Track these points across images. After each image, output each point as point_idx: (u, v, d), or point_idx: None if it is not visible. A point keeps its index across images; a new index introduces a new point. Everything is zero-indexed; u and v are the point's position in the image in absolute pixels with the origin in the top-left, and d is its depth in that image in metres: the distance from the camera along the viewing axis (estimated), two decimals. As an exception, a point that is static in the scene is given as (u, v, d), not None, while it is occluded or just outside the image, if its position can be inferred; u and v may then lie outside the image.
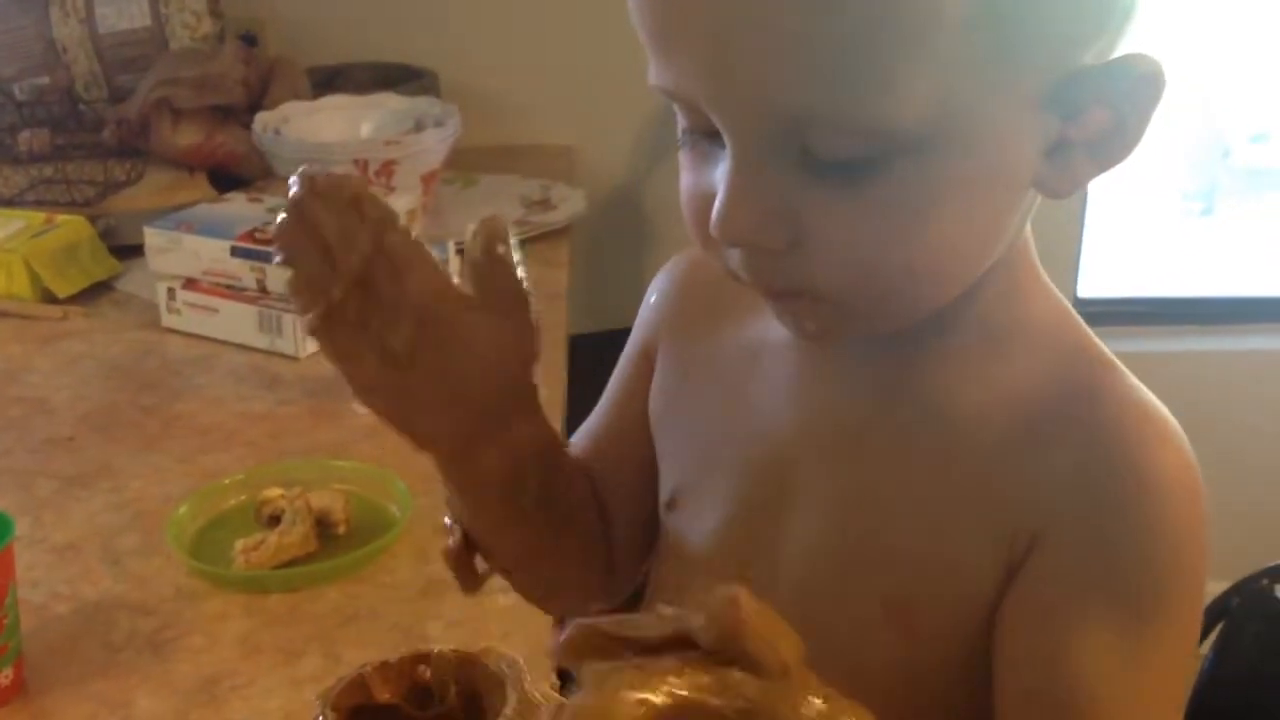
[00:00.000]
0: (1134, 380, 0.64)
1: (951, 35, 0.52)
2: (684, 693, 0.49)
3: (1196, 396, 2.24)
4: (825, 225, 0.56)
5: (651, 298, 0.79)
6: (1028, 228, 0.65)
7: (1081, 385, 0.63)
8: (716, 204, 0.57)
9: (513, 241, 0.65)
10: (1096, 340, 0.65)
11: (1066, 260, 2.17)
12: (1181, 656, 0.62)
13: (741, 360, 0.72)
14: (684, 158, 0.62)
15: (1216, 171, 3.35)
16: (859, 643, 0.63)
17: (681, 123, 0.60)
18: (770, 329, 0.68)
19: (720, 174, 0.58)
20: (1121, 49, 0.58)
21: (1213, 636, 1.16)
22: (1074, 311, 0.67)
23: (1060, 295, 0.67)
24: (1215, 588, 1.16)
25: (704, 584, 0.50)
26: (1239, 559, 1.28)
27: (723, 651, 0.49)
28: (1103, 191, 2.28)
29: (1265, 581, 1.13)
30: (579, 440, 0.81)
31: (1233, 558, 1.39)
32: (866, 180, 0.55)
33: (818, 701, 0.50)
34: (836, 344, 0.67)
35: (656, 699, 0.48)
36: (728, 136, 0.56)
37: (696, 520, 0.72)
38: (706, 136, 0.59)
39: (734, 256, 0.60)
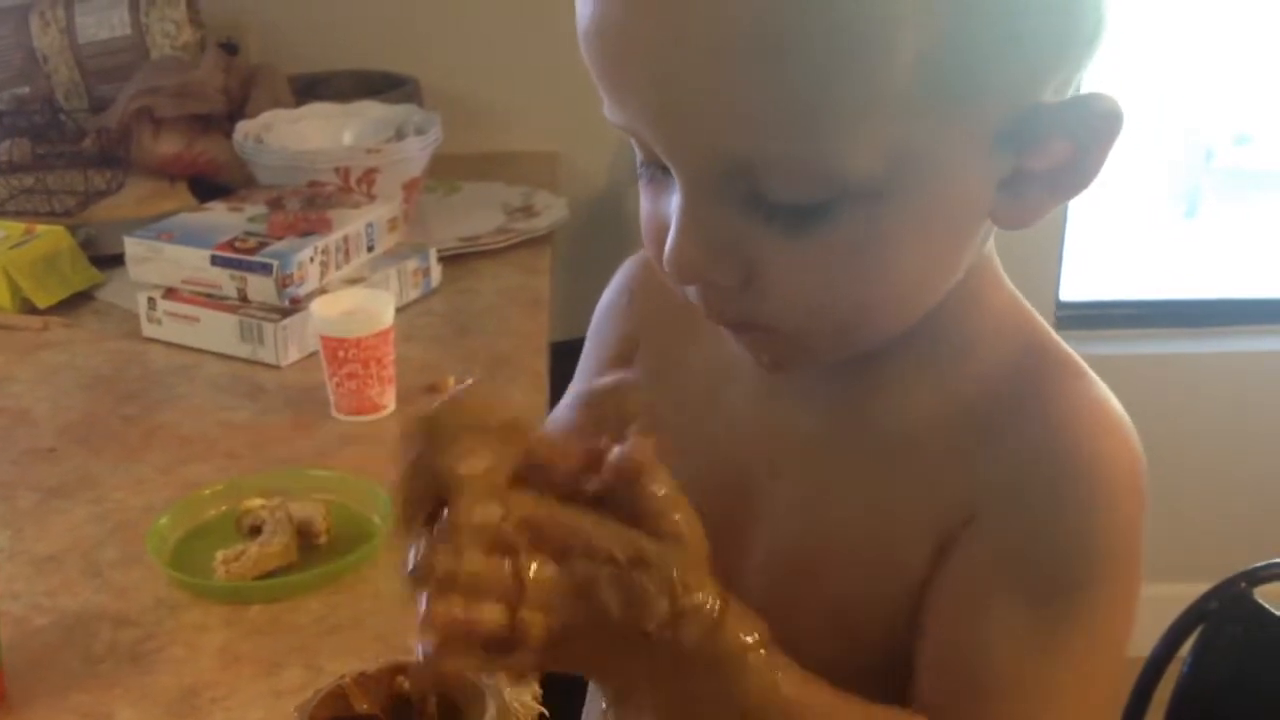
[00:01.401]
0: (1092, 378, 0.64)
1: (903, 82, 0.51)
2: (563, 519, 0.53)
3: (1179, 399, 2.26)
4: (776, 266, 0.57)
5: (623, 299, 0.78)
6: (989, 240, 0.65)
7: (1034, 378, 0.63)
8: (668, 241, 0.58)
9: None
10: (1057, 339, 0.66)
11: (1048, 264, 2.18)
12: (1105, 649, 0.62)
13: (709, 375, 0.72)
14: (642, 187, 0.62)
15: (1199, 174, 3.36)
16: (809, 655, 0.63)
17: (638, 154, 0.60)
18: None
19: (673, 208, 0.58)
20: (1082, 80, 0.58)
21: (1191, 640, 1.16)
22: (1036, 314, 0.67)
23: (1023, 299, 0.67)
24: (1193, 590, 1.17)
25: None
26: (1217, 562, 1.29)
27: (627, 504, 0.53)
28: (1085, 194, 2.29)
29: (1243, 585, 1.13)
30: None
31: (1211, 561, 1.40)
32: (818, 223, 0.55)
33: (710, 599, 0.54)
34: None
35: (525, 514, 0.52)
36: (678, 177, 0.57)
37: None
38: (662, 168, 0.59)
39: (690, 289, 0.61)
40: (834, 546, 0.65)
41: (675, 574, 0.53)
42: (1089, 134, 0.57)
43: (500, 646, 0.53)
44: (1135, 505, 0.62)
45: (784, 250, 0.56)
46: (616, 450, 0.54)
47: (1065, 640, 0.60)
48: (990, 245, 0.65)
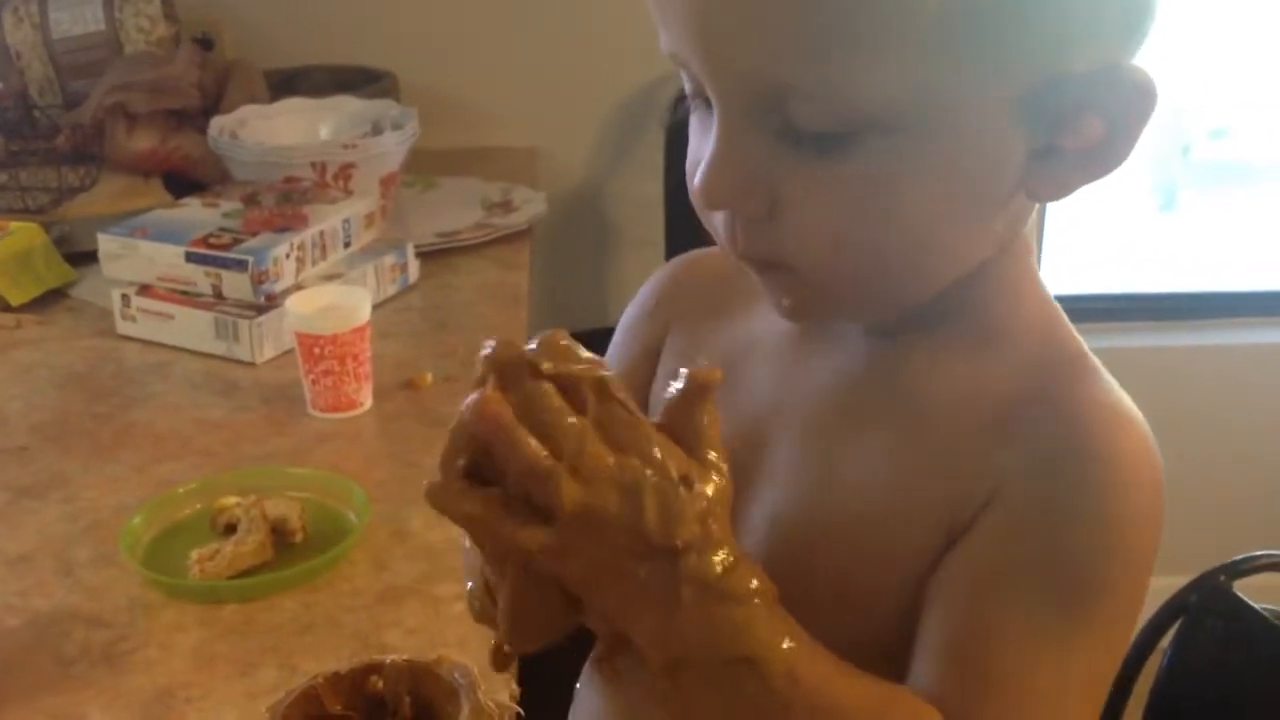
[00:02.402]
0: (1112, 383, 0.64)
1: (928, 23, 0.54)
2: (634, 417, 0.55)
3: (1157, 392, 2.25)
4: (799, 195, 0.59)
5: (651, 302, 0.80)
6: (1026, 231, 0.66)
7: (1054, 378, 0.64)
8: (700, 167, 0.60)
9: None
10: (1082, 343, 0.66)
11: (1027, 258, 2.18)
12: (1109, 646, 0.62)
13: (736, 350, 0.73)
14: (691, 123, 0.64)
15: (1176, 168, 3.37)
16: (811, 623, 0.64)
17: (687, 86, 0.62)
18: (766, 322, 0.70)
19: (710, 139, 0.60)
20: (1132, 57, 0.59)
21: (1171, 633, 1.16)
22: (1064, 315, 0.67)
23: (1053, 300, 0.68)
24: (1173, 583, 1.17)
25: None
26: (1197, 555, 1.29)
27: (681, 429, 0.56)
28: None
29: (1223, 578, 1.13)
30: None
31: (1191, 553, 1.40)
32: (841, 154, 0.57)
33: (730, 542, 0.56)
34: (824, 335, 0.69)
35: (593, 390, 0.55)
36: (715, 102, 0.59)
37: None
38: (705, 101, 0.61)
39: (719, 222, 0.62)
40: (844, 519, 0.66)
41: (710, 505, 0.55)
42: (1123, 111, 0.58)
43: (532, 499, 0.54)
44: (1153, 506, 0.62)
45: (808, 180, 0.58)
46: (684, 371, 0.57)
47: (1080, 638, 0.60)
48: (1028, 240, 0.66)
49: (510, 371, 0.55)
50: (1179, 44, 2.69)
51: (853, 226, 0.59)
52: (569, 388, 0.55)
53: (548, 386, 0.55)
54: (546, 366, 0.55)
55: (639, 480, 0.54)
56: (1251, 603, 1.13)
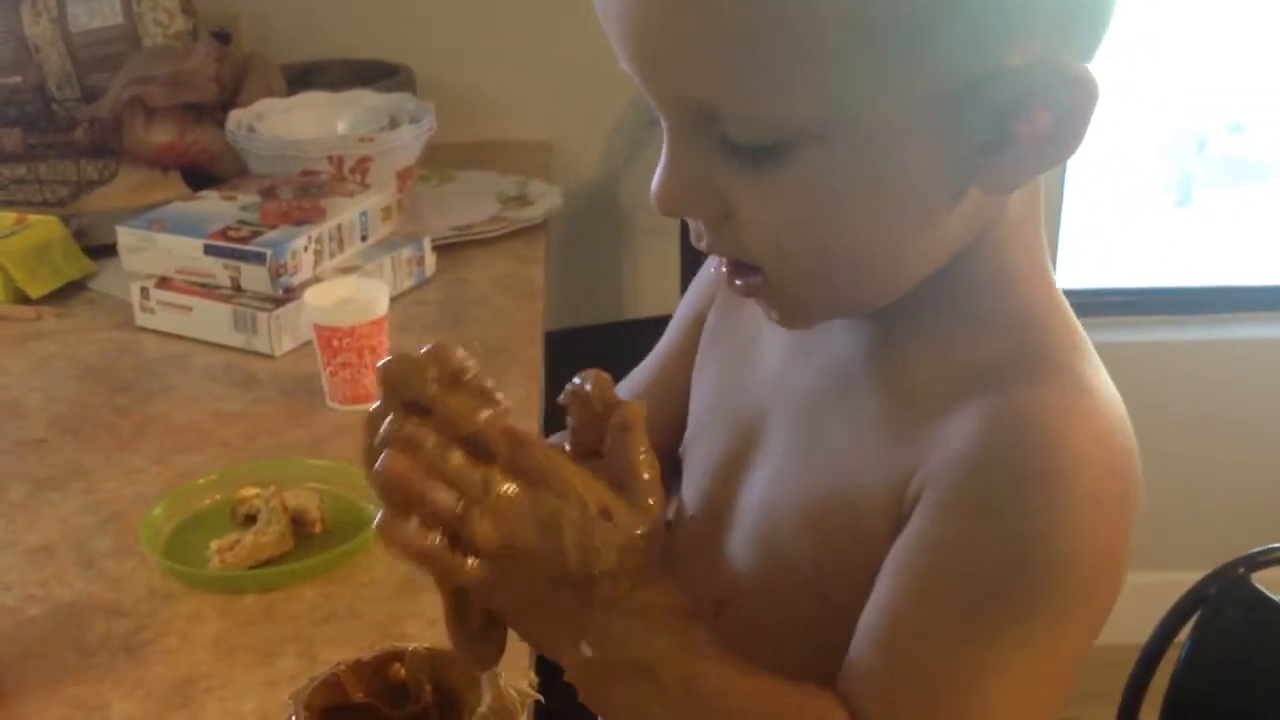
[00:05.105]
0: (1093, 375, 0.62)
1: (833, 36, 0.54)
2: (549, 453, 0.58)
3: (1173, 386, 2.26)
4: (745, 202, 0.60)
5: (711, 268, 0.82)
6: (1031, 215, 0.65)
7: (1029, 365, 0.62)
8: (654, 178, 0.62)
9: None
10: (1076, 339, 0.64)
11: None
12: (1045, 664, 0.60)
13: (755, 327, 0.74)
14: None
15: (1192, 162, 3.36)
16: (795, 611, 0.66)
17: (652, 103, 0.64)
18: None
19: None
20: (1079, 53, 0.58)
21: (1190, 624, 1.16)
22: (1064, 302, 0.66)
23: (1056, 286, 0.66)
24: (1192, 576, 1.17)
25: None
26: (1215, 547, 1.29)
27: (614, 462, 0.60)
28: (1079, 183, 2.29)
29: (1241, 569, 1.13)
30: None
31: (1209, 546, 1.40)
32: (777, 163, 0.58)
33: (650, 565, 0.60)
34: (829, 322, 0.69)
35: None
36: (661, 116, 0.61)
37: (691, 471, 0.76)
38: None
39: (690, 226, 0.65)
40: (818, 500, 0.65)
41: (632, 539, 0.59)
42: (1064, 101, 0.57)
43: (450, 541, 0.57)
44: (1108, 520, 0.59)
45: (750, 188, 0.60)
46: (619, 410, 0.61)
47: (1000, 649, 0.59)
48: (1033, 224, 0.66)
49: (416, 436, 0.57)
50: (1194, 39, 2.68)
51: (796, 232, 0.60)
52: (476, 441, 0.58)
53: (446, 446, 0.57)
54: (443, 435, 0.57)
55: (556, 515, 0.58)
56: (1270, 595, 1.13)
